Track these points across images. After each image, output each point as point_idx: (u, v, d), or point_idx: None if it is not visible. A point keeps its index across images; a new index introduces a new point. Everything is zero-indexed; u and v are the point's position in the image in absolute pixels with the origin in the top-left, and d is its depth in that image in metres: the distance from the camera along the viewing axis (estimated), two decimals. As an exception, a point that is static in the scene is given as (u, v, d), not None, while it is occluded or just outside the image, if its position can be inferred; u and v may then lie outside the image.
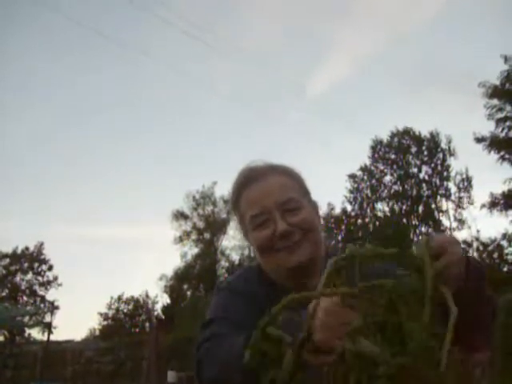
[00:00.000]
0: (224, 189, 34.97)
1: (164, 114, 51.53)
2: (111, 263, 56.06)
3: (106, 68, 50.37)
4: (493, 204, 27.01)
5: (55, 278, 37.97)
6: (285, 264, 1.39)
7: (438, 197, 32.67)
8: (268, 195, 1.41)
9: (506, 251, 29.32)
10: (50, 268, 38.02)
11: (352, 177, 32.51)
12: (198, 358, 1.33)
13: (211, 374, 1.27)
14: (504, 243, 29.16)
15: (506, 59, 24.50)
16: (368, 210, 32.05)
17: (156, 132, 53.51)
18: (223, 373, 1.23)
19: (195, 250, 36.63)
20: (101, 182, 54.58)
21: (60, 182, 52.64)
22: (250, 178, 1.46)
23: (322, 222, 1.53)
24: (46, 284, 37.85)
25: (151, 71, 50.22)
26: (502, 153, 25.80)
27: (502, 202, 26.58)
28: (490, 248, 29.73)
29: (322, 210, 31.99)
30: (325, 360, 0.89)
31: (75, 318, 58.30)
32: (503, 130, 25.68)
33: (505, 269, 27.38)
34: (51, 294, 37.30)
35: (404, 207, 31.79)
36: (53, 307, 31.10)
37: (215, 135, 52.90)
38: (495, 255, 29.41)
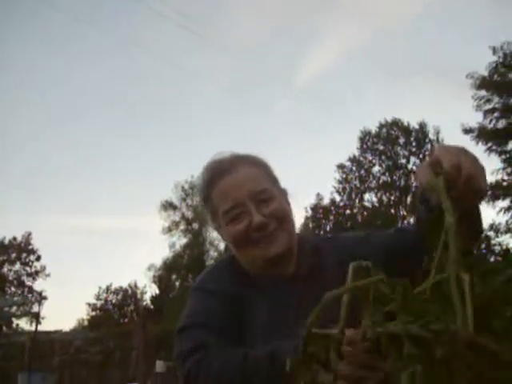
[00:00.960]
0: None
1: (154, 104, 51.27)
2: (99, 253, 56.12)
3: (101, 60, 50.07)
4: (480, 195, 27.11)
5: (43, 269, 37.88)
6: (263, 255, 1.38)
7: (426, 187, 32.75)
8: (240, 187, 1.39)
9: (493, 242, 29.59)
10: (38, 258, 37.89)
11: (340, 167, 32.55)
12: (187, 371, 1.29)
13: (208, 382, 1.24)
14: (491, 234, 29.41)
15: (494, 50, 24.59)
16: (356, 201, 32.16)
17: (143, 122, 53.33)
18: (226, 375, 1.21)
19: (184, 240, 36.59)
20: (89, 172, 54.38)
21: (48, 172, 52.38)
22: (219, 172, 1.43)
23: (292, 209, 1.51)
24: (34, 274, 37.72)
25: (142, 62, 49.96)
26: (489, 144, 25.95)
27: (489, 192, 26.76)
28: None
29: (311, 200, 32.08)
30: None
31: (63, 308, 58.14)
32: (491, 121, 25.81)
33: (492, 259, 27.60)
34: (39, 285, 37.19)
35: (392, 198, 31.92)
36: (41, 297, 31.02)
37: (203, 125, 52.82)
38: (482, 246, 29.65)
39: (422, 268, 0.82)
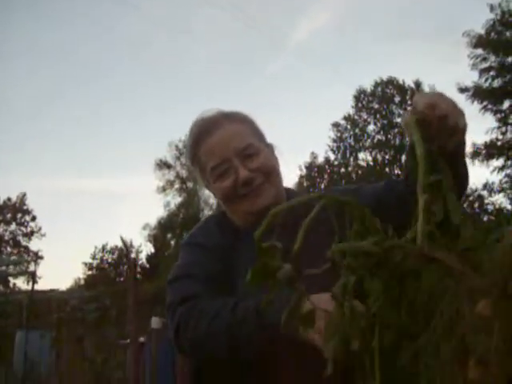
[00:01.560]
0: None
1: (148, 65, 50.66)
2: (95, 213, 56.16)
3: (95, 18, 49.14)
4: (475, 154, 27.21)
5: (39, 229, 38.00)
6: (251, 209, 1.41)
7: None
8: (226, 144, 1.41)
9: (486, 201, 29.78)
10: (34, 218, 38.01)
11: (335, 126, 32.41)
12: (176, 321, 1.30)
13: (197, 332, 1.24)
14: (485, 193, 29.58)
15: (491, 8, 24.28)
16: (351, 159, 32.15)
17: (137, 83, 52.74)
18: (214, 327, 1.22)
19: (178, 200, 36.69)
20: (84, 132, 54.03)
21: (42, 133, 52.03)
22: (205, 129, 1.44)
23: (279, 163, 1.53)
24: (30, 234, 37.86)
25: (132, 22, 49.12)
26: (484, 103, 25.84)
27: (483, 152, 26.78)
28: (471, 198, 30.14)
29: (305, 159, 32.06)
30: None
31: (60, 268, 58.57)
32: (487, 80, 25.64)
33: (485, 218, 27.82)
34: (35, 245, 37.37)
35: (387, 157, 31.92)
36: (36, 257, 31.21)
37: (197, 85, 52.26)
38: (476, 205, 29.84)
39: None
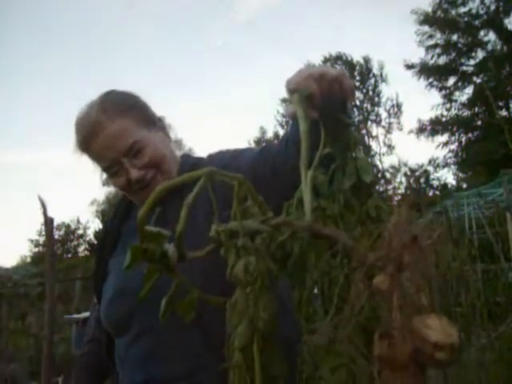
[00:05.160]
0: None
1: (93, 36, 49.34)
2: (41, 189, 54.88)
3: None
4: (420, 130, 27.82)
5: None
6: (146, 199, 1.41)
7: (369, 122, 33.31)
8: (111, 147, 1.38)
9: (431, 176, 30.58)
10: (-24, 194, 36.88)
11: (284, 101, 32.49)
12: None
13: None
14: (430, 168, 30.35)
15: (438, -15, 24.66)
16: (300, 135, 32.31)
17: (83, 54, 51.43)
18: None
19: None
20: (26, 102, 52.50)
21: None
22: (88, 134, 1.40)
23: (170, 140, 1.53)
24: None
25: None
26: (430, 79, 26.38)
27: (428, 127, 27.41)
28: (417, 173, 30.88)
29: (255, 133, 32.07)
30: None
31: (5, 245, 57.22)
32: (433, 56, 26.18)
33: (430, 193, 28.57)
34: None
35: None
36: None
37: (138, 58, 51.35)
38: (422, 180, 30.59)
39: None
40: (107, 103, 1.43)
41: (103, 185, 1.56)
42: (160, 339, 1.30)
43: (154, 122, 1.48)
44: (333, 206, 0.83)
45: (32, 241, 37.39)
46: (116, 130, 1.39)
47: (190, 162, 1.50)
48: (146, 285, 0.72)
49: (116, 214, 1.58)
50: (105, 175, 1.47)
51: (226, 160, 1.39)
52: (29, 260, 36.84)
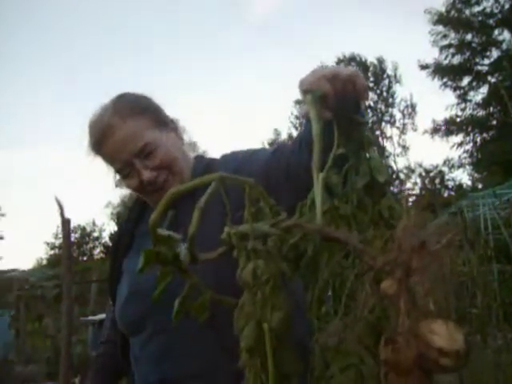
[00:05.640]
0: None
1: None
2: (56, 192, 55.15)
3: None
4: (435, 130, 27.64)
5: (-2, 208, 37.21)
6: (159, 200, 1.42)
7: (383, 123, 33.16)
8: (123, 148, 1.40)
9: (446, 177, 30.35)
10: (-7, 197, 37.18)
11: (298, 103, 32.43)
12: None
13: None
14: (445, 169, 30.13)
15: (451, -15, 24.49)
16: (314, 137, 32.20)
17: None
18: None
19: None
20: (41, 103, 52.87)
21: (-1, 109, 50.63)
22: (101, 136, 1.43)
23: (183, 142, 1.54)
24: (-11, 214, 37.06)
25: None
26: (444, 79, 26.20)
27: (443, 128, 27.21)
28: (431, 174, 30.66)
29: (269, 135, 32.03)
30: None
31: (22, 248, 57.64)
32: (447, 56, 25.99)
33: (445, 194, 28.35)
34: (-6, 224, 36.56)
35: (349, 134, 32.06)
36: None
37: (151, 57, 51.49)
38: (437, 181, 30.39)
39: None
40: (120, 106, 1.45)
41: (116, 186, 1.58)
42: (174, 339, 1.32)
43: (166, 124, 1.50)
44: (346, 206, 0.84)
45: (48, 243, 37.67)
46: (128, 132, 1.41)
47: (204, 163, 1.51)
48: (159, 286, 0.74)
49: (130, 217, 1.60)
50: (118, 177, 1.49)
51: (238, 161, 1.41)
52: (45, 262, 37.06)
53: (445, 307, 0.53)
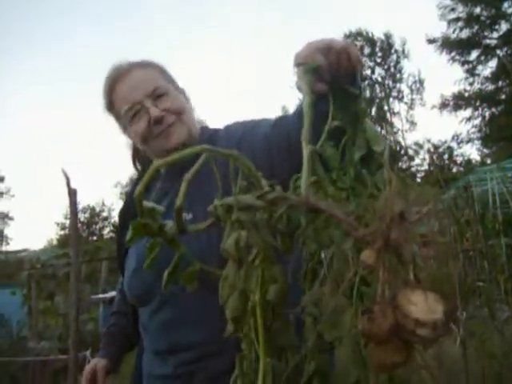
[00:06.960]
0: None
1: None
2: (66, 171, 55.30)
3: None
4: (443, 105, 27.43)
5: (8, 190, 37.48)
6: (165, 146, 1.47)
7: (391, 99, 32.94)
8: (136, 87, 1.48)
9: (455, 152, 30.18)
10: (2, 179, 37.41)
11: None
12: None
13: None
14: (454, 144, 29.96)
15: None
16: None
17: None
18: None
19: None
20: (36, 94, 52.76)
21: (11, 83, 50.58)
22: (116, 77, 1.51)
23: (191, 105, 1.60)
24: (-2, 195, 37.31)
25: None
26: (452, 54, 25.93)
27: (451, 103, 27.00)
28: (440, 150, 30.52)
29: (277, 113, 31.84)
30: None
31: (33, 229, 58.09)
32: (455, 30, 25.68)
33: (454, 169, 28.23)
34: (4, 205, 36.90)
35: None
36: (6, 217, 30.85)
37: (167, 34, 51.11)
38: (445, 156, 30.25)
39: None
40: (136, 60, 1.55)
41: (123, 132, 1.60)
42: (182, 308, 1.36)
43: (176, 84, 1.58)
44: (344, 178, 0.85)
45: (58, 224, 37.90)
46: (143, 74, 1.51)
47: (208, 134, 1.55)
48: (149, 256, 0.77)
49: (135, 190, 1.63)
50: (127, 122, 1.51)
51: (241, 131, 1.46)
52: (55, 243, 37.34)
53: (428, 278, 0.53)
